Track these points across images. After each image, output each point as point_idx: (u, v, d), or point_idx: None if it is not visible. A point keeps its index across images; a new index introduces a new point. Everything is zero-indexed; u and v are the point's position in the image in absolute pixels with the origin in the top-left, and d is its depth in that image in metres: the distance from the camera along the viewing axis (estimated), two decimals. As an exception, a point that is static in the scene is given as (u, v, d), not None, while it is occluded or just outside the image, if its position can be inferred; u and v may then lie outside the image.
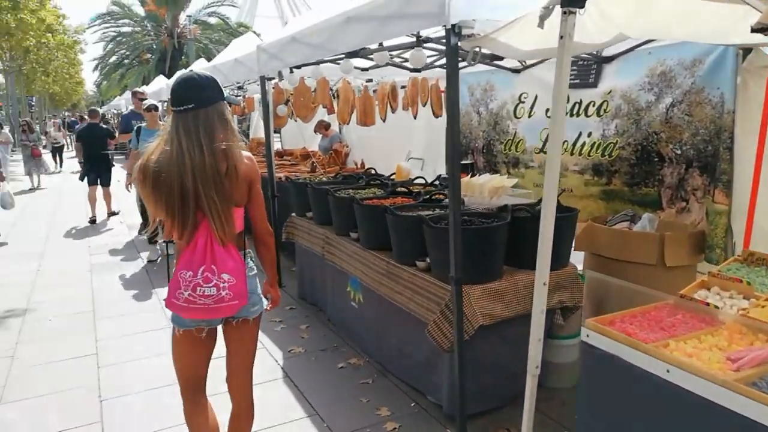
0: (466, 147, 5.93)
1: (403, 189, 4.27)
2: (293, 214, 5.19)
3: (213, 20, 36.92)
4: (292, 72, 5.21)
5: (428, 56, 4.98)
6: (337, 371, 3.70)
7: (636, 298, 2.91)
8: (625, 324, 2.10)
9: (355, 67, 5.28)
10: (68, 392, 3.56)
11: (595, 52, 4.26)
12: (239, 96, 10.49)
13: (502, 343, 3.03)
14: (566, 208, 3.31)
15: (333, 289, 4.45)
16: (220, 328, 2.31)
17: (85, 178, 9.13)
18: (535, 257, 3.07)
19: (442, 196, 3.90)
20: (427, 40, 3.57)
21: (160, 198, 2.02)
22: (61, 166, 18.55)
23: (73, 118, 30.98)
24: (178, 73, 2.06)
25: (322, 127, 8.15)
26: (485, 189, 3.45)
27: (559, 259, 3.14)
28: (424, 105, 6.68)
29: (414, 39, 3.81)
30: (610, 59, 4.25)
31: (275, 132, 14.36)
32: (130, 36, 36.67)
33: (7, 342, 4.39)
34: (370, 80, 6.26)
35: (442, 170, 6.15)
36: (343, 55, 4.37)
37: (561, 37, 2.07)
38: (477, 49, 2.64)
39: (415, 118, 6.96)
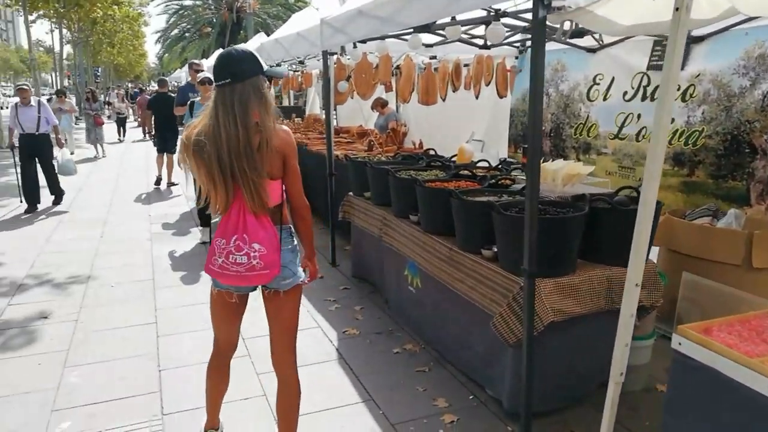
0: (532, 130, 5.67)
1: (466, 172, 4.10)
2: (350, 193, 5.10)
3: (272, -5, 37.06)
4: (355, 47, 5.08)
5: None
6: (392, 356, 3.61)
7: (727, 302, 2.68)
8: (723, 333, 1.90)
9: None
10: (128, 360, 3.62)
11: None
12: (297, 71, 10.47)
13: (570, 340, 2.85)
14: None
15: (389, 271, 4.35)
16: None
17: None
18: (612, 252, 2.89)
19: (508, 182, 3.71)
20: (504, 14, 3.36)
21: (201, 170, 2.13)
22: (124, 136, 18.91)
23: (135, 89, 31.94)
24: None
25: (379, 104, 8.00)
26: (559, 176, 3.24)
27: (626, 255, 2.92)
28: (488, 84, 6.44)
29: (486, 13, 3.61)
30: (700, 39, 3.92)
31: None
32: (191, 9, 37.34)
33: (71, 306, 4.52)
34: (434, 57, 6.05)
35: (504, 153, 5.93)
36: (411, 30, 4.20)
37: (676, 9, 1.84)
38: (568, 24, 2.42)
39: (477, 98, 6.73)
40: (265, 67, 2.17)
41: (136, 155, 14.82)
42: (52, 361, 3.61)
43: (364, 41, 4.68)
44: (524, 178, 3.70)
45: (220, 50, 2.63)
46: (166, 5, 37.53)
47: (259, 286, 2.31)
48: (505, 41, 5.33)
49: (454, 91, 6.85)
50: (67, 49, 35.50)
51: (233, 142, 2.06)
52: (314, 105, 13.77)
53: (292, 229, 2.36)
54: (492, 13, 3.30)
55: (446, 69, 6.53)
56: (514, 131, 5.93)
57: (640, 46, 4.36)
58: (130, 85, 40.78)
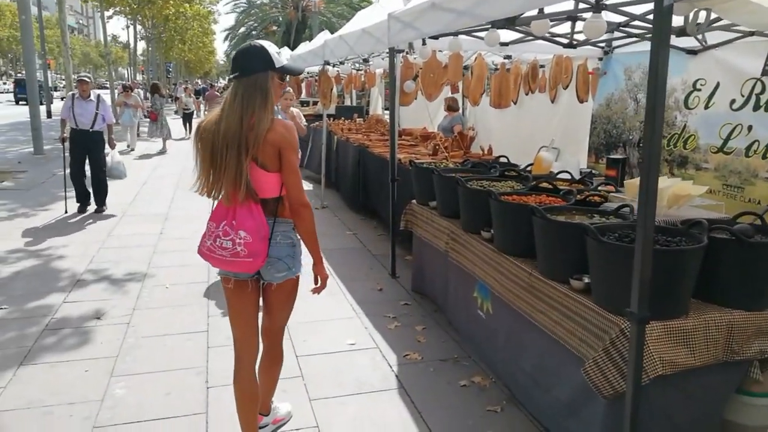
0: (617, 139, 5.17)
1: (546, 185, 3.68)
2: (413, 201, 4.76)
3: (337, -7, 37.24)
4: (424, 44, 4.73)
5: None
6: (459, 390, 3.25)
7: None
8: None
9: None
10: (176, 372, 3.42)
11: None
12: (360, 70, 10.23)
13: (675, 395, 2.40)
14: None
15: (456, 290, 3.98)
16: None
17: None
18: (734, 292, 2.42)
19: (598, 199, 3.26)
20: (604, 6, 2.93)
21: (199, 156, 2.28)
22: (190, 132, 19.05)
23: (203, 85, 32.78)
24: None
25: (448, 105, 7.62)
26: (664, 196, 2.78)
27: (763, 296, 2.44)
28: (566, 88, 5.96)
29: (574, 5, 3.18)
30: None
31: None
32: (259, 8, 38.04)
33: (125, 308, 4.40)
34: (508, 57, 5.62)
35: (583, 163, 5.43)
36: (486, 26, 3.82)
37: None
38: (704, 14, 1.98)
39: (553, 102, 6.25)
40: (279, 64, 2.25)
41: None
42: (100, 368, 3.46)
43: (436, 37, 4.31)
44: (619, 195, 3.25)
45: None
46: (235, 3, 38.40)
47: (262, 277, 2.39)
48: (584, 41, 4.84)
49: (526, 94, 6.40)
50: (142, 44, 36.96)
51: (230, 132, 2.17)
52: (377, 105, 13.53)
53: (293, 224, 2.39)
54: (591, 5, 2.86)
55: (519, 70, 6.09)
56: (596, 139, 5.42)
57: (754, 48, 3.80)
58: (198, 81, 41.99)
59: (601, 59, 5.45)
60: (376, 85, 11.17)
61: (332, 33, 9.73)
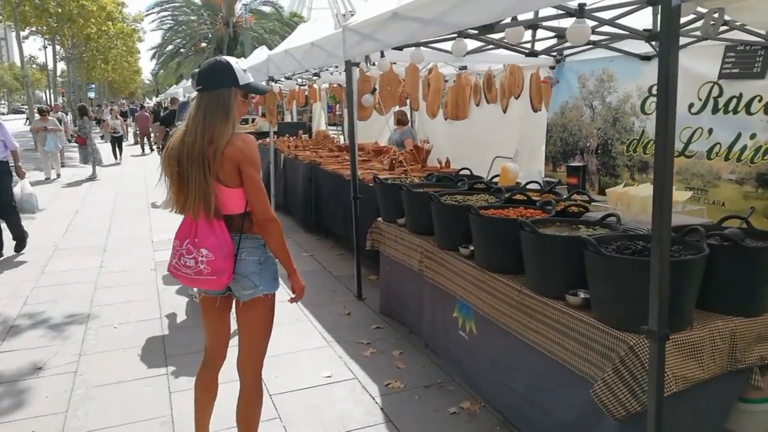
0: (574, 146, 5.20)
1: (521, 197, 3.60)
2: (379, 219, 4.59)
3: (267, 9, 36.87)
4: (383, 56, 4.59)
5: (542, 38, 4.29)
6: (449, 418, 3.07)
7: None
8: None
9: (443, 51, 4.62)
10: (138, 425, 3.07)
11: (762, 37, 3.47)
12: (303, 85, 10.00)
13: (686, 411, 2.33)
14: (765, 234, 2.55)
15: (432, 311, 3.83)
16: None
17: None
18: (734, 299, 2.38)
19: (576, 209, 3.20)
20: (588, 13, 2.86)
21: (167, 172, 2.26)
22: (120, 156, 17.44)
23: (133, 106, 31.40)
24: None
25: (398, 119, 7.52)
26: (647, 204, 2.74)
27: (758, 303, 2.42)
28: (517, 98, 5.97)
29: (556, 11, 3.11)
30: (787, 43, 3.45)
31: (335, 125, 13.87)
32: (186, 25, 37.02)
33: (69, 354, 3.97)
34: (464, 67, 5.58)
35: (537, 172, 5.42)
36: (454, 35, 3.71)
37: None
38: (715, 15, 1.92)
39: (504, 112, 6.26)
40: (244, 81, 2.22)
41: (136, 174, 14.22)
42: (48, 428, 3.06)
43: (400, 48, 4.17)
44: (601, 204, 3.20)
45: None
46: (161, 21, 37.20)
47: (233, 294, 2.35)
48: (544, 50, 4.87)
49: (477, 105, 6.39)
50: (61, 65, 35.07)
51: (194, 147, 2.15)
52: (320, 121, 13.31)
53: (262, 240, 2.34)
54: (574, 10, 2.80)
55: (468, 81, 6.07)
56: (552, 148, 5.44)
57: (708, 53, 3.89)
58: (124, 101, 40.23)
59: (552, 68, 5.49)
60: (318, 100, 10.98)
61: (270, 49, 9.49)
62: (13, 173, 6.66)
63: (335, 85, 9.03)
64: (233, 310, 2.43)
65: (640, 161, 4.48)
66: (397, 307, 4.43)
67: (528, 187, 4.11)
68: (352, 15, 4.81)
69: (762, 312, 2.40)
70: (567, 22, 3.19)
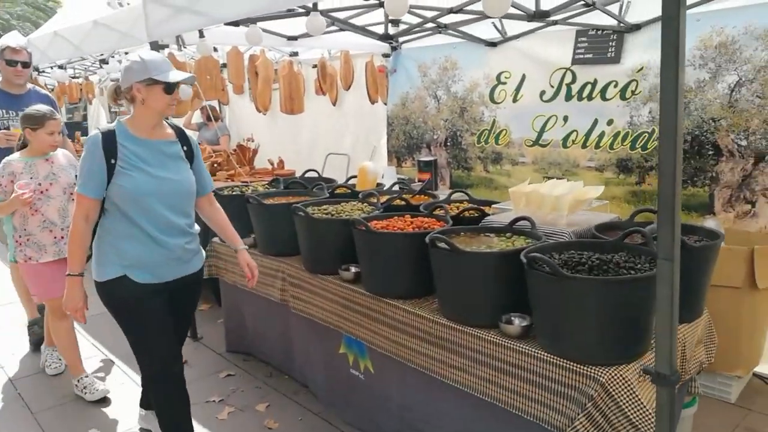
0: (419, 140, 4.87)
1: (400, 202, 3.08)
2: (215, 239, 3.69)
3: (12, -10, 31.03)
4: (202, 36, 3.67)
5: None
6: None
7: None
8: None
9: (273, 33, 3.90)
10: None
11: (616, 20, 3.45)
12: (77, 78, 8.29)
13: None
14: (703, 230, 2.35)
15: (306, 348, 3.13)
16: None
17: None
18: (681, 303, 2.15)
19: (475, 213, 2.76)
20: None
21: None
22: None
23: None
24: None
25: (208, 115, 6.47)
26: (564, 202, 2.41)
27: (698, 305, 2.24)
28: (348, 88, 5.46)
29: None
30: (636, 27, 3.46)
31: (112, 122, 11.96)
32: None
33: None
34: (295, 54, 4.87)
35: (390, 171, 4.99)
36: (298, 8, 3.01)
37: None
38: None
39: (334, 104, 5.72)
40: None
41: None
42: None
43: (236, 23, 3.27)
44: (501, 206, 2.81)
45: None
46: None
47: None
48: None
49: (314, 95, 5.74)
50: None
51: None
52: (100, 121, 11.29)
53: None
54: None
55: (300, 69, 5.38)
56: (395, 142, 5.05)
57: (560, 37, 3.79)
58: None
59: (387, 56, 5.08)
60: (97, 95, 9.25)
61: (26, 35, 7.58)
62: None
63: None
64: None
65: (493, 152, 4.29)
66: (253, 342, 3.61)
67: (392, 189, 3.63)
68: None
69: (697, 316, 2.22)
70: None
